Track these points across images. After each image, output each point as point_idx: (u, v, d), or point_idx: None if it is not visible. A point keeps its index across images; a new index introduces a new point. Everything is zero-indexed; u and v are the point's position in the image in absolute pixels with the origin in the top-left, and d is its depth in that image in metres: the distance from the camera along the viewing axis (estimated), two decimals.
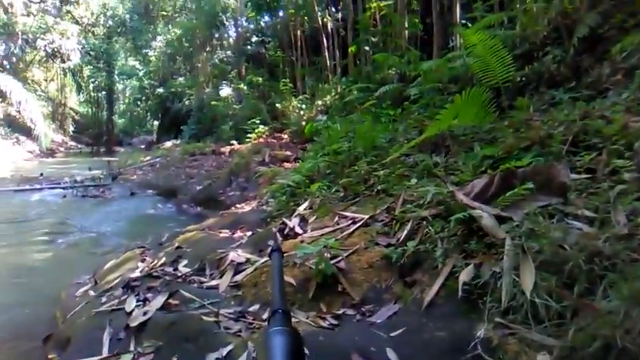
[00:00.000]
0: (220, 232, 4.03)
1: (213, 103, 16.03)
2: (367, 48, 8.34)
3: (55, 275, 4.27)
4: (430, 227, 2.13)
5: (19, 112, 19.26)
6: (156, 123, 28.31)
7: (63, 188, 10.25)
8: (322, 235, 2.77)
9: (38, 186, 10.26)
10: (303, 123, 11.54)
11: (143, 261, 3.53)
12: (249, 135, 13.09)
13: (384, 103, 5.93)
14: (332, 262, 2.24)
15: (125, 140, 33.20)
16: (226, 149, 12.94)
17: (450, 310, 1.77)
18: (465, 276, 1.75)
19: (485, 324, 1.56)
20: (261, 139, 12.56)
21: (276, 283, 0.78)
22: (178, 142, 19.86)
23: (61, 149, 25.95)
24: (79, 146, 29.10)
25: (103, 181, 10.94)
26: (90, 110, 31.75)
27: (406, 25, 7.77)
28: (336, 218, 2.96)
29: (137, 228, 6.38)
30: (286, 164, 6.96)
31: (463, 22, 8.43)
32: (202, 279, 2.79)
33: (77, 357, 2.21)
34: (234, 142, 13.43)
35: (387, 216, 2.68)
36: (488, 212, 1.93)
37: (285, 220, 3.25)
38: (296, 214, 3.36)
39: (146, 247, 3.96)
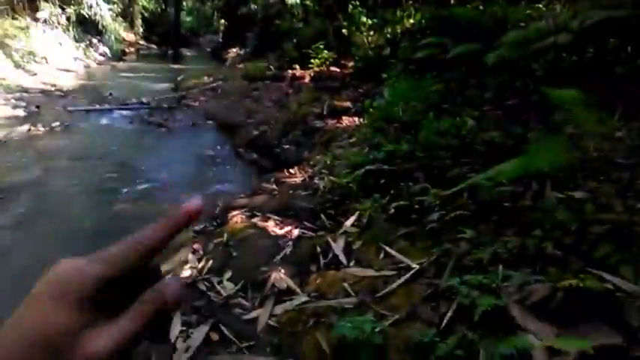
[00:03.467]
0: (268, 220, 4.05)
1: (276, 21, 15.39)
2: None
3: (116, 238, 4.55)
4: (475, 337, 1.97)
5: (90, 15, 19.56)
6: (222, 21, 27.97)
7: (129, 109, 10.67)
8: (364, 277, 2.69)
9: (108, 107, 10.72)
10: (370, 53, 10.91)
11: (194, 252, 3.66)
12: (312, 60, 12.64)
13: (457, 69, 5.37)
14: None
15: (192, 40, 33.47)
16: (288, 74, 12.67)
17: None
18: None
19: None
20: (323, 68, 12.12)
21: None
22: (242, 52, 19.80)
23: (132, 49, 26.53)
24: (149, 46, 29.71)
25: (168, 104, 11.22)
26: (159, 8, 31.89)
27: None
28: (382, 255, 2.84)
29: (196, 175, 6.58)
30: (345, 119, 6.69)
31: None
32: (244, 303, 2.85)
33: None
34: (296, 65, 13.06)
35: (434, 274, 2.53)
36: (539, 340, 1.75)
37: (329, 239, 3.17)
38: (342, 230, 3.27)
39: (197, 232, 4.08)
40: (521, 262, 2.32)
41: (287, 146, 6.68)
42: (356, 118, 6.73)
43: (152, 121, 9.69)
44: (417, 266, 2.59)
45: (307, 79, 12.12)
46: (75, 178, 6.19)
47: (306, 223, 3.93)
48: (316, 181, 5.03)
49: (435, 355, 1.96)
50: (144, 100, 11.44)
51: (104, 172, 6.44)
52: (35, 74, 14.22)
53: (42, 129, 8.64)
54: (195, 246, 3.79)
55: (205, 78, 13.45)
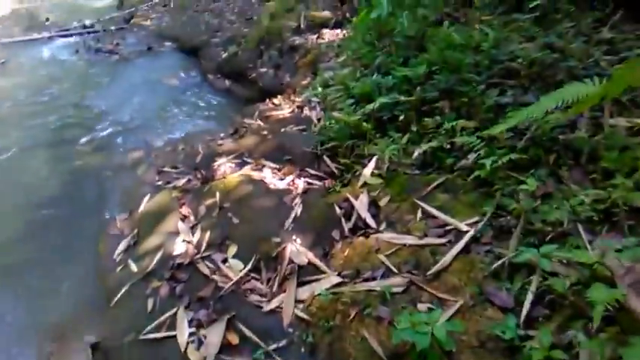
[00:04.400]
0: (263, 169, 3.48)
1: None
2: None
3: (86, 204, 3.93)
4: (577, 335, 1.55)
5: None
6: None
7: (72, 35, 9.32)
8: (404, 245, 2.22)
9: (47, 34, 9.30)
10: None
11: (184, 219, 3.11)
12: None
13: None
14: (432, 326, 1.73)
15: None
16: None
17: None
18: None
19: None
20: None
21: None
22: None
23: None
24: None
25: (116, 25, 9.83)
26: None
27: None
28: (419, 214, 2.35)
29: (163, 112, 5.77)
30: (326, 32, 5.83)
31: None
32: (259, 287, 2.38)
33: None
34: None
35: (493, 238, 2.07)
36: None
37: (349, 197, 2.64)
38: (361, 182, 2.73)
39: (181, 191, 3.47)
40: (609, 221, 1.88)
41: (264, 69, 5.86)
42: (338, 31, 5.89)
43: (101, 48, 8.48)
44: (469, 229, 2.13)
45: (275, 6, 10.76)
46: (24, 129, 5.31)
47: (308, 170, 3.39)
48: (307, 112, 4.40)
49: None
50: (87, 22, 9.98)
51: (56, 118, 5.56)
52: None
53: None
54: (184, 210, 3.22)
55: None
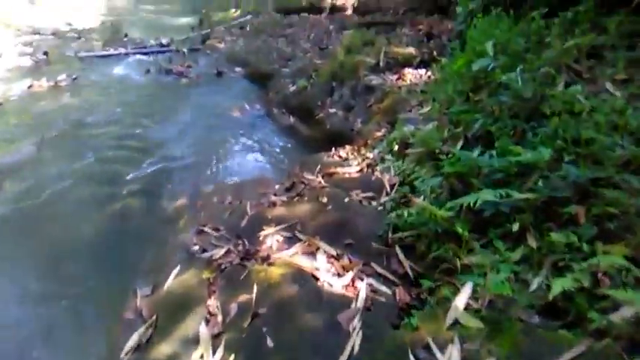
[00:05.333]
0: (317, 251, 2.75)
1: None
2: None
3: (116, 262, 3.43)
4: None
5: None
6: None
7: (148, 54, 9.28)
8: None
9: (123, 51, 9.33)
10: None
11: (208, 320, 2.44)
12: None
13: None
14: None
15: None
16: (327, 2, 10.81)
17: None
18: None
19: None
20: None
21: None
22: None
23: None
24: None
25: (191, 44, 9.72)
26: None
27: None
28: None
29: (219, 149, 5.26)
30: (408, 72, 5.06)
31: None
32: None
33: None
34: None
35: None
36: None
37: (432, 344, 1.82)
38: (451, 318, 1.90)
39: (216, 267, 2.82)
40: None
41: (333, 110, 5.19)
42: (423, 72, 5.10)
43: (171, 70, 8.30)
44: None
45: (350, 11, 10.23)
46: (73, 157, 5.00)
47: (374, 265, 2.60)
48: (379, 174, 3.63)
49: None
50: (163, 41, 9.97)
51: (110, 146, 5.23)
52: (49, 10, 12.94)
53: (45, 84, 7.44)
54: (212, 304, 2.56)
55: (233, 11, 11.70)
